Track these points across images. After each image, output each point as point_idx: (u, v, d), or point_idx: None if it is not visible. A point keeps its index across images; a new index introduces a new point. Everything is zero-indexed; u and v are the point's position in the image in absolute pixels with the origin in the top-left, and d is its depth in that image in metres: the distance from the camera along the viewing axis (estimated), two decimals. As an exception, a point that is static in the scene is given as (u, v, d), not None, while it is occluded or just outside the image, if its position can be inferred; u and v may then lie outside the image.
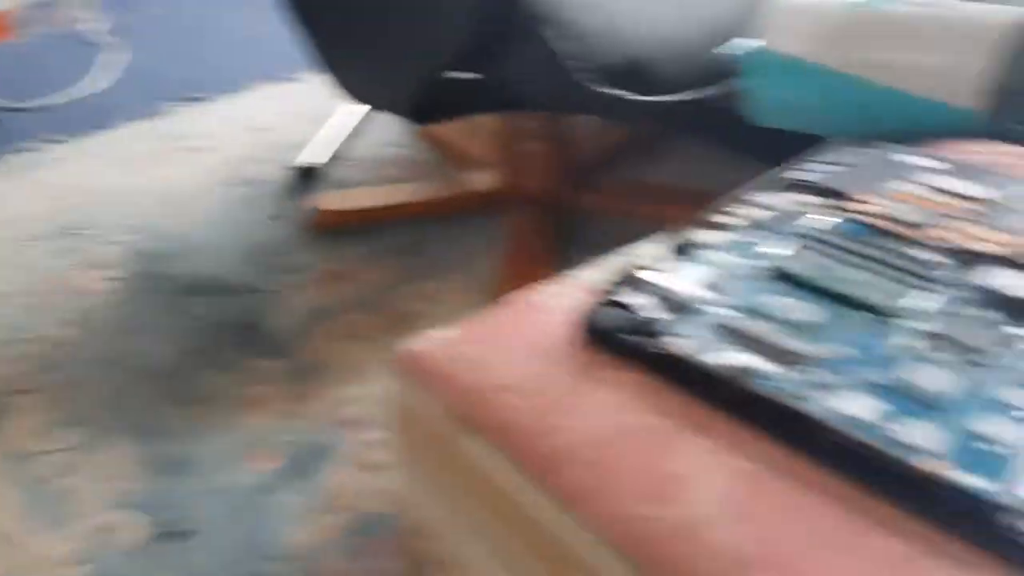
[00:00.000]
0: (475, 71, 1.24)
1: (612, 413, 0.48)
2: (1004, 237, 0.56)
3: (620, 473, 0.45)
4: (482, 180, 1.49)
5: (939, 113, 0.77)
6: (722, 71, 1.16)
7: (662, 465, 0.45)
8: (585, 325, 0.52)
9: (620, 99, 1.13)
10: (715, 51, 1.14)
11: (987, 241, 0.55)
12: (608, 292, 0.53)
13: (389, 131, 1.60)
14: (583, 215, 1.44)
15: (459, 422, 0.51)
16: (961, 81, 0.75)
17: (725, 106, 1.05)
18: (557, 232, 1.38)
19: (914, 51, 0.77)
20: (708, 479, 0.44)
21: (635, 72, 1.13)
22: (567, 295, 0.58)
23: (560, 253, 1.33)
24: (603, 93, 1.11)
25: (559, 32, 1.02)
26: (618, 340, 0.50)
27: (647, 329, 0.50)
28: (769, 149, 0.69)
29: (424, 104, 1.25)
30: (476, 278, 1.30)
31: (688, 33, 1.15)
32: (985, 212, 0.58)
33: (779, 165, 0.66)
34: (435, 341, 0.55)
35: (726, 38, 0.94)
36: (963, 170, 0.63)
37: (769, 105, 0.87)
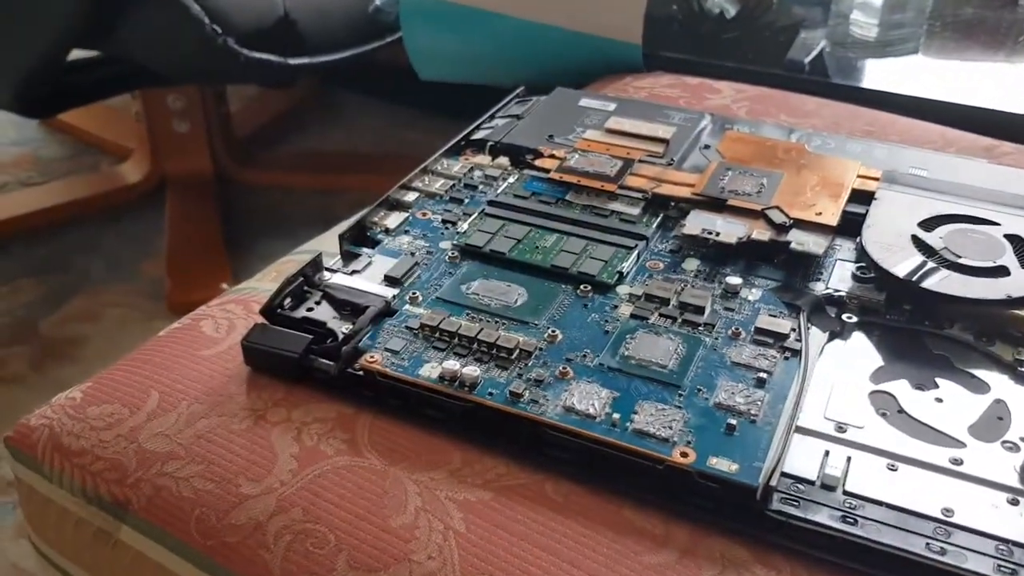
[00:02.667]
0: (96, 48, 1.10)
1: (308, 464, 0.39)
2: (690, 176, 0.52)
3: (328, 546, 0.36)
4: (131, 170, 1.35)
5: (609, 50, 0.74)
6: (384, 25, 1.10)
7: (383, 520, 0.36)
8: (251, 353, 0.42)
9: (271, 63, 1.04)
10: (373, 3, 1.07)
11: (676, 184, 0.52)
12: (275, 306, 0.43)
13: (9, 128, 1.40)
14: (254, 193, 1.35)
15: (106, 511, 0.40)
16: (625, 15, 0.72)
17: (393, 62, 0.98)
18: (226, 216, 1.27)
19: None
20: (437, 525, 0.36)
21: (286, 32, 1.05)
22: (229, 313, 0.48)
23: (234, 239, 1.22)
24: (252, 58, 1.01)
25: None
26: (295, 367, 0.41)
27: (330, 347, 0.41)
28: (448, 105, 0.62)
29: (41, 94, 1.09)
30: (142, 284, 1.16)
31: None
32: (665, 151, 0.55)
33: (461, 122, 0.59)
34: (57, 410, 0.43)
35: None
36: (640, 109, 0.60)
37: (429, 57, 0.80)
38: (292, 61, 1.05)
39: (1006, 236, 0.46)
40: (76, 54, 1.03)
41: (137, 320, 1.09)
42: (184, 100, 1.28)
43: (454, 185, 0.54)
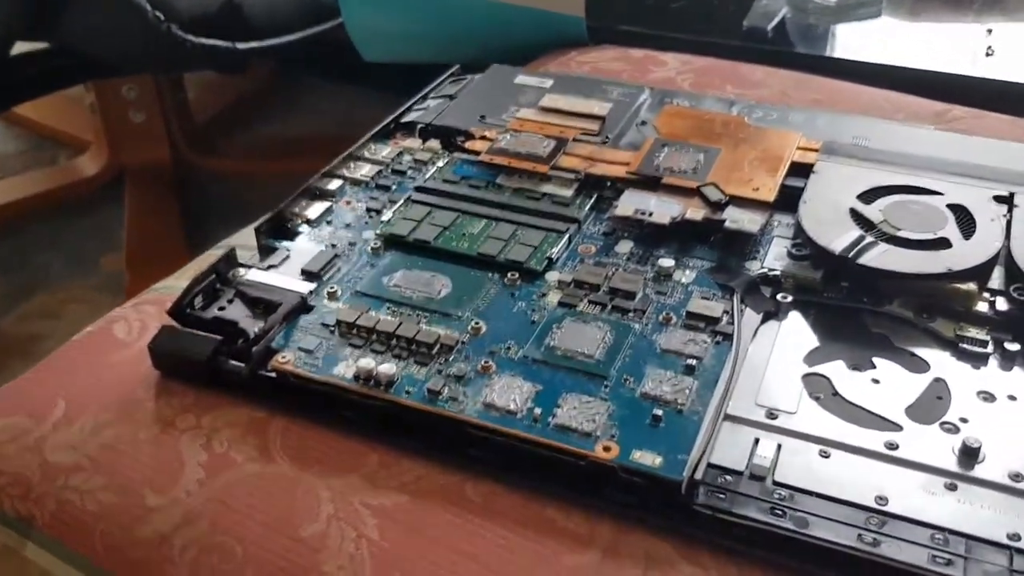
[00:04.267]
0: (41, 39, 1.07)
1: (216, 473, 0.37)
2: (625, 155, 0.50)
3: (235, 560, 0.34)
4: (88, 163, 1.32)
5: (553, 24, 0.72)
6: (332, 5, 1.07)
7: (293, 530, 0.35)
8: (158, 357, 0.40)
9: (219, 49, 1.02)
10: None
11: (611, 163, 0.50)
12: (183, 306, 0.41)
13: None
14: (215, 181, 1.32)
15: (11, 528, 0.38)
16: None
17: (341, 44, 0.96)
18: (187, 206, 1.24)
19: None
20: (350, 533, 0.34)
21: (232, 17, 1.02)
22: (143, 314, 0.46)
23: (195, 229, 1.20)
24: (198, 44, 0.99)
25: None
26: (204, 370, 0.39)
27: (240, 348, 0.39)
28: (411, 85, 0.60)
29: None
30: (102, 279, 1.14)
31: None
32: (601, 129, 0.53)
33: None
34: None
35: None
36: (577, 85, 0.58)
37: (371, 37, 0.77)
38: (240, 46, 1.03)
39: (948, 206, 0.44)
40: (24, 46, 1.00)
41: (97, 315, 1.07)
42: (138, 89, 1.25)
43: (381, 171, 0.52)
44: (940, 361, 0.39)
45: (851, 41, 0.79)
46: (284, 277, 0.44)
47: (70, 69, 1.16)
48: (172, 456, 0.38)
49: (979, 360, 0.38)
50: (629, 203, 0.47)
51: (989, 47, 0.69)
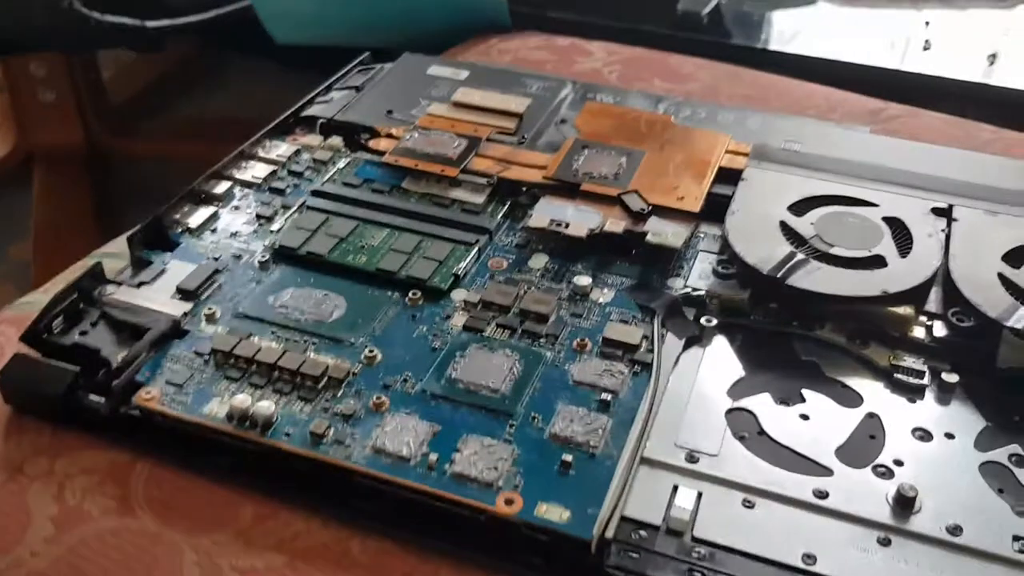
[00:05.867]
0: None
1: (67, 529, 0.32)
2: (542, 157, 0.46)
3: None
4: (-9, 145, 1.24)
5: (472, 6, 0.67)
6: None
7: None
8: (8, 390, 0.36)
9: (126, 27, 0.96)
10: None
11: (527, 166, 0.46)
12: (39, 330, 0.36)
13: None
14: (131, 165, 1.26)
15: None
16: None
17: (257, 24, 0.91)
18: (101, 192, 1.18)
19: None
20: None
21: None
22: (4, 338, 0.41)
23: (109, 217, 1.14)
24: (105, 22, 0.93)
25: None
26: (59, 406, 0.34)
27: (102, 381, 0.35)
28: (343, 65, 0.55)
29: None
30: (8, 269, 1.07)
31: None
32: (517, 128, 0.49)
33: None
34: None
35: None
36: (495, 78, 0.54)
37: (282, 18, 0.72)
38: (151, 24, 0.97)
39: (884, 219, 0.41)
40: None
41: (5, 307, 1.01)
42: (48, 67, 1.18)
43: (276, 172, 0.47)
44: (874, 393, 0.35)
45: (786, 29, 0.76)
46: (157, 294, 0.39)
47: (-27, 44, 1.09)
48: (18, 508, 0.33)
49: (915, 392, 0.35)
50: (544, 212, 0.43)
51: (927, 41, 0.67)
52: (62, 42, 1.12)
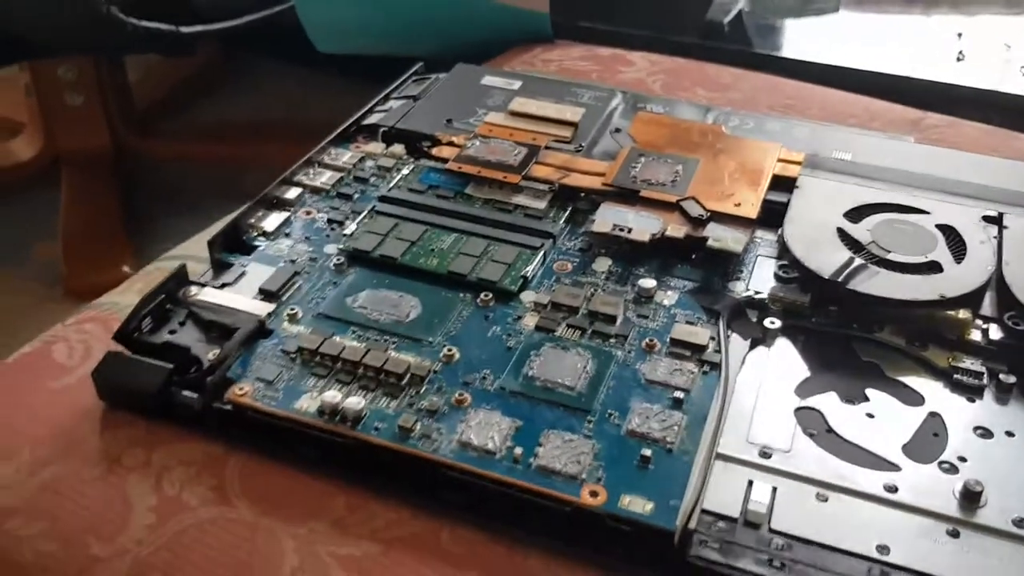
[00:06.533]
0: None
1: (168, 518, 0.34)
2: (600, 164, 0.48)
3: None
4: (22, 147, 1.26)
5: (514, 18, 0.69)
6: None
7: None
8: (104, 386, 0.37)
9: (161, 32, 0.98)
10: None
11: (585, 173, 0.47)
12: (130, 330, 0.38)
13: None
14: (156, 167, 1.27)
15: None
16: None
17: (292, 25, 0.92)
18: (127, 194, 1.19)
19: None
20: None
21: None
22: (86, 335, 0.42)
23: (135, 218, 1.15)
24: (140, 27, 0.95)
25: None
26: (154, 402, 0.36)
27: (194, 378, 0.36)
28: (365, 68, 0.57)
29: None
30: (36, 269, 1.08)
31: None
32: (573, 136, 0.51)
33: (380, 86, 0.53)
34: None
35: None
36: (547, 87, 0.55)
37: (326, 28, 0.74)
38: (185, 29, 0.99)
39: (937, 226, 0.43)
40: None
41: (30, 306, 1.03)
42: (76, 71, 1.20)
43: (343, 178, 0.48)
44: (934, 393, 0.37)
45: (809, 37, 0.78)
46: (240, 297, 0.41)
47: (6, 49, 1.10)
48: (119, 499, 0.35)
49: (974, 393, 0.37)
50: (606, 218, 0.44)
51: (960, 52, 0.68)
52: (96, 46, 1.14)
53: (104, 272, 0.93)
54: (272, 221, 0.45)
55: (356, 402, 0.35)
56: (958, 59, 0.68)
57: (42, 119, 1.23)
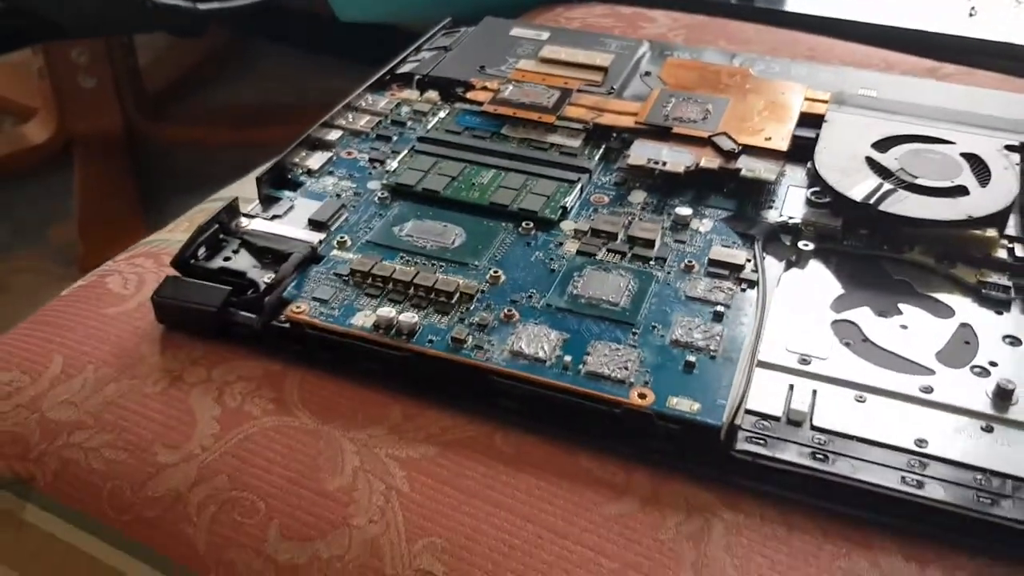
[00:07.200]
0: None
1: (232, 427, 0.35)
2: (632, 105, 0.49)
3: (258, 515, 0.33)
4: (35, 130, 1.28)
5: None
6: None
7: (318, 484, 0.33)
8: (163, 308, 0.39)
9: (179, 9, 0.99)
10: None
11: (618, 112, 0.49)
12: (187, 257, 0.39)
13: None
14: (167, 150, 1.28)
15: (8, 490, 0.36)
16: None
17: (309, 7, 0.94)
18: (140, 175, 1.20)
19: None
20: (378, 486, 0.33)
21: None
22: (138, 268, 0.43)
23: (148, 199, 1.17)
24: (160, 4, 0.96)
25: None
26: (213, 322, 0.37)
27: (252, 299, 0.38)
28: (368, 52, 0.58)
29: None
30: (51, 249, 1.10)
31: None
32: (604, 80, 0.52)
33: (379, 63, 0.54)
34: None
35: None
36: (574, 37, 0.57)
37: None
38: (202, 6, 1.00)
39: (962, 155, 0.44)
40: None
41: (47, 285, 1.04)
42: (89, 54, 1.21)
43: (380, 122, 0.50)
44: (964, 306, 0.38)
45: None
46: (290, 227, 0.42)
47: (20, 32, 1.11)
48: (183, 411, 0.36)
49: (1002, 305, 0.38)
50: (641, 152, 0.46)
51: (972, 8, 0.70)
52: (114, 26, 1.15)
53: (119, 252, 0.95)
54: (316, 160, 0.46)
55: (410, 316, 0.36)
56: (970, 15, 0.69)
57: (55, 102, 1.24)
